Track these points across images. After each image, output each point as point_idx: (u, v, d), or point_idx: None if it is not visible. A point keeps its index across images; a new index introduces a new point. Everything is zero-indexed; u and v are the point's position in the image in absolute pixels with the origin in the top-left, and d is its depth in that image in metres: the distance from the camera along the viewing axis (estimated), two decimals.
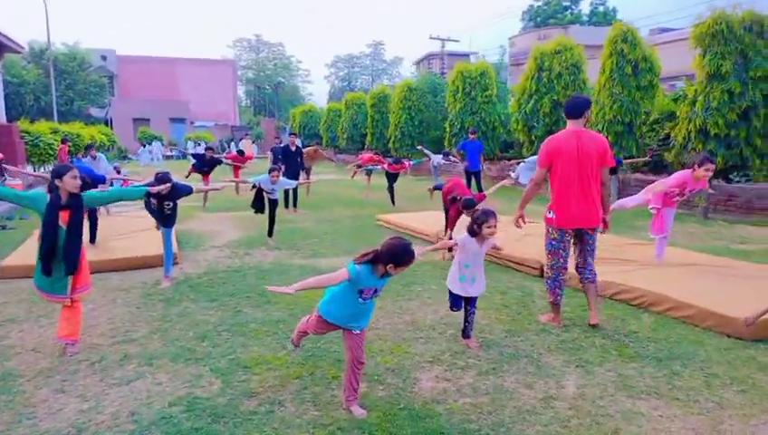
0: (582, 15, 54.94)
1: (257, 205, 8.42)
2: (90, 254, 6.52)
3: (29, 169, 17.48)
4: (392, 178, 12.39)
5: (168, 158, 36.24)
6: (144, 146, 34.24)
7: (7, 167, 9.89)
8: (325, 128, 32.11)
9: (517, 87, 14.99)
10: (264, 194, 8.22)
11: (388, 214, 10.25)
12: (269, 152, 19.31)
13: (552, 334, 4.37)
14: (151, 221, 7.45)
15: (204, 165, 12.44)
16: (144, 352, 4.12)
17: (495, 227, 4.06)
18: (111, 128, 37.83)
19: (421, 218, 9.43)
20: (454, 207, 6.66)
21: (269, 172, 7.91)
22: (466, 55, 50.94)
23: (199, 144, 35.13)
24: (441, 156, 14.21)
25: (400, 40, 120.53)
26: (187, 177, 13.59)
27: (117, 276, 6.36)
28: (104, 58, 48.03)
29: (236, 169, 14.14)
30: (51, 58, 31.41)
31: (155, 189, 4.69)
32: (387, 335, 4.36)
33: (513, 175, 13.80)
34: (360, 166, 15.61)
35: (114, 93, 48.79)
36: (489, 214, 4.07)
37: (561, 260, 4.57)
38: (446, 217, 7.19)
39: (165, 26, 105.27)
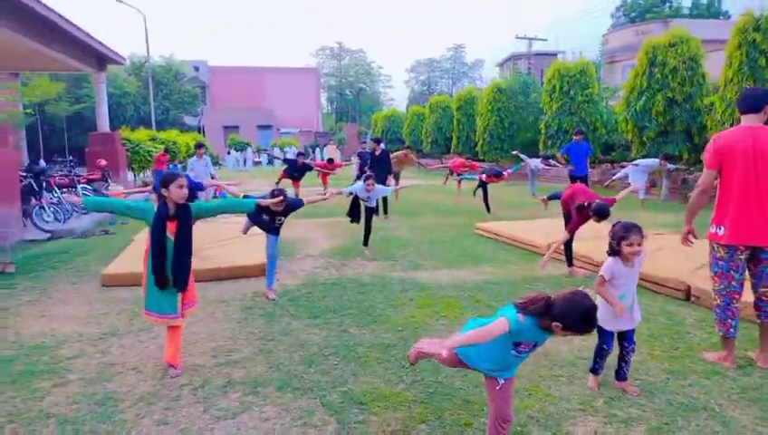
0: (682, 8, 51.33)
1: (353, 213, 8.05)
2: None
3: (129, 175, 18.31)
4: (486, 185, 11.65)
5: (256, 164, 37.32)
6: (229, 153, 35.36)
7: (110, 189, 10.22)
8: (408, 132, 31.74)
9: (626, 84, 13.83)
10: (361, 202, 7.82)
11: (488, 222, 9.57)
12: (354, 157, 19.15)
13: (727, 378, 3.58)
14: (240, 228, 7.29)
15: (295, 170, 12.34)
16: (248, 378, 3.75)
17: (641, 245, 3.30)
18: (204, 135, 39.49)
19: (527, 228, 8.69)
20: (580, 214, 5.89)
21: (363, 180, 7.48)
22: (554, 54, 48.90)
23: (275, 149, 35.84)
24: (540, 159, 13.33)
25: (481, 42, 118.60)
26: (277, 182, 13.59)
27: (215, 287, 6.13)
28: (197, 69, 50.43)
29: (324, 175, 13.99)
30: (150, 70, 33.13)
31: (265, 202, 4.34)
32: (519, 371, 3.73)
33: (617, 177, 12.75)
34: (451, 172, 15.00)
35: (206, 102, 51.07)
36: (630, 228, 3.27)
37: (734, 283, 3.76)
38: (566, 224, 6.40)
39: (252, 37, 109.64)
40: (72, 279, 6.71)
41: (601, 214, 5.49)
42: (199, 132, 40.37)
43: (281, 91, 55.34)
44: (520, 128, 21.76)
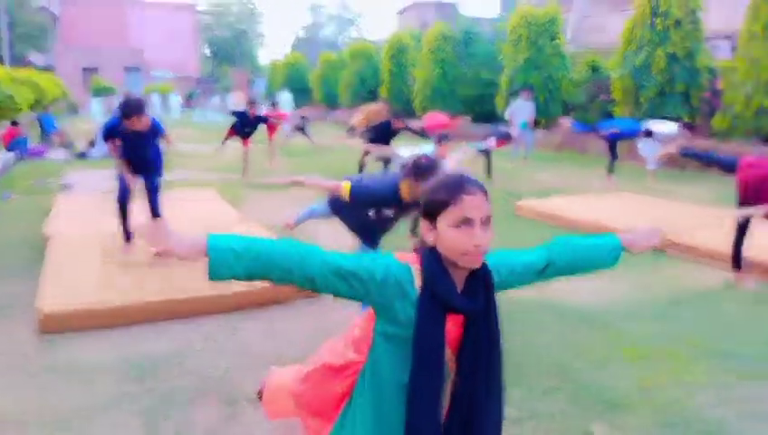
0: None
1: None
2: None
3: None
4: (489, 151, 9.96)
5: None
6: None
7: None
8: (318, 83, 29.08)
9: (623, 34, 12.64)
10: None
11: (532, 200, 7.89)
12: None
13: None
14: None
15: (246, 125, 9.82)
16: None
17: None
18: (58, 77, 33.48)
19: (601, 207, 7.11)
20: None
21: (437, 142, 5.37)
22: (453, 5, 47.98)
23: (154, 94, 31.20)
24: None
25: None
26: (224, 142, 10.75)
27: (249, 328, 3.83)
28: None
29: (272, 129, 11.49)
30: None
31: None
32: None
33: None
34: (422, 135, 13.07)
35: (57, 38, 43.72)
36: None
37: None
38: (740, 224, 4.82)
39: None
40: None
41: None
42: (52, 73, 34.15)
43: (150, 28, 49.32)
44: (460, 83, 20.22)
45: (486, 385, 1.49)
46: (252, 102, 10.01)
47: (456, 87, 20.04)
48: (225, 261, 1.36)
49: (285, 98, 25.46)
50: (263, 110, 13.05)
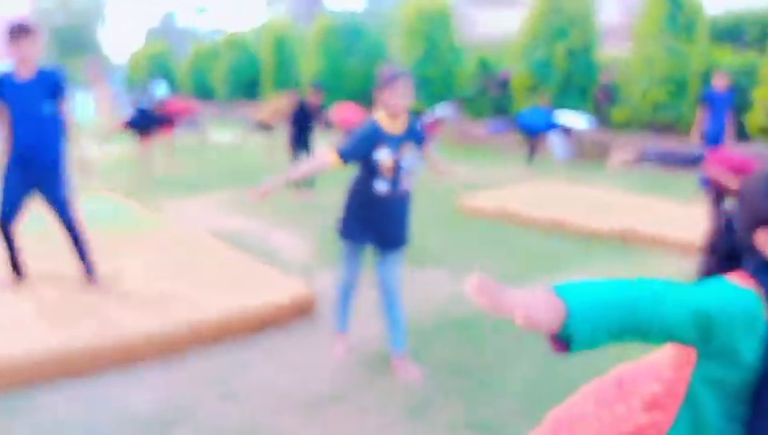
0: None
1: None
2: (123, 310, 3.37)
3: None
4: None
5: None
6: None
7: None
8: (189, 75, 27.33)
9: (523, 30, 13.10)
10: None
11: (476, 192, 7.84)
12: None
13: None
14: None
15: (147, 122, 8.83)
16: None
17: None
18: None
19: (558, 199, 7.25)
20: None
21: None
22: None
23: None
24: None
25: None
26: (107, 137, 9.52)
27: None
28: None
29: (171, 126, 10.50)
30: None
31: None
32: None
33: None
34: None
35: None
36: None
37: None
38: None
39: None
40: None
41: None
42: None
43: None
44: (349, 77, 20.01)
45: None
46: (155, 97, 9.01)
47: (346, 81, 19.81)
48: (590, 327, 1.06)
49: (161, 89, 23.12)
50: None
